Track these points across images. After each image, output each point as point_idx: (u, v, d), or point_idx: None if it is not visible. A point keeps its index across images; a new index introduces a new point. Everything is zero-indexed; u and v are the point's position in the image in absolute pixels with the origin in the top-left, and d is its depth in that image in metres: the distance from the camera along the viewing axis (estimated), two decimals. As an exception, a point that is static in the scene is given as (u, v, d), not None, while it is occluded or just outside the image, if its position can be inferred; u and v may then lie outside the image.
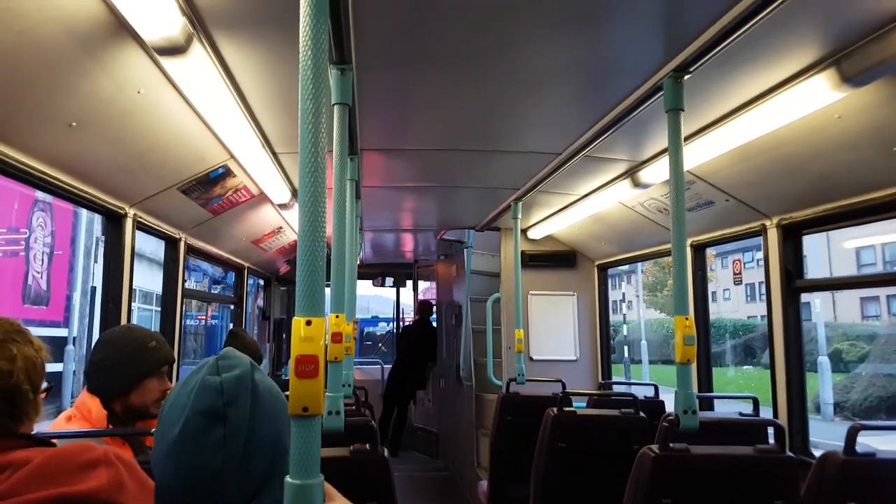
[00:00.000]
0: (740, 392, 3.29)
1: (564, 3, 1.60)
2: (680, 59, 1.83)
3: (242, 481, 0.87)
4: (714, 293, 26.44)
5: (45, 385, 1.15)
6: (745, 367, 19.02)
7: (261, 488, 0.89)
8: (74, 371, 10.39)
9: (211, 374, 0.91)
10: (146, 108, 2.05)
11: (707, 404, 3.50)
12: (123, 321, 2.61)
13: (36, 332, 1.19)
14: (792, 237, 2.81)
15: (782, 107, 2.03)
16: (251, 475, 0.88)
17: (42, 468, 0.94)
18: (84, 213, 10.70)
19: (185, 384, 0.93)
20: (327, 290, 1.41)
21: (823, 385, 13.39)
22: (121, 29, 1.59)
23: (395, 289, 9.27)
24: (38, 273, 9.92)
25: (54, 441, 1.13)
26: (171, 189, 2.74)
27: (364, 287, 9.63)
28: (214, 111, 2.21)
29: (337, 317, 1.96)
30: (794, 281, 2.81)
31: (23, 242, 9.62)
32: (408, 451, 7.30)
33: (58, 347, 9.99)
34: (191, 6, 1.58)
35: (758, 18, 1.51)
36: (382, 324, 13.84)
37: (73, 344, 10.65)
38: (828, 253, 19.09)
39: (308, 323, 0.96)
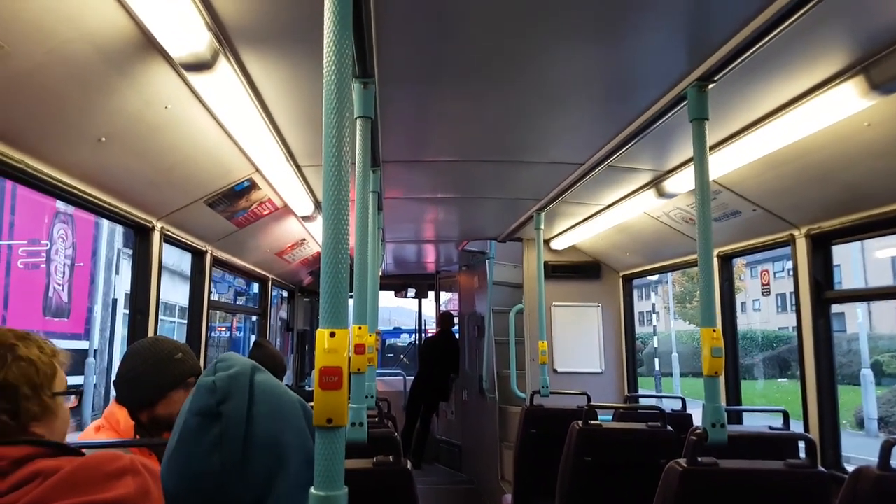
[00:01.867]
0: (772, 405, 3.22)
1: (587, 14, 1.60)
2: (704, 69, 1.81)
3: (247, 484, 0.83)
4: (744, 304, 25.95)
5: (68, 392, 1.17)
6: (779, 381, 18.55)
7: (265, 491, 0.86)
8: (95, 384, 10.50)
9: (207, 374, 0.90)
10: (173, 123, 2.09)
11: (736, 417, 3.42)
12: (151, 333, 2.65)
13: (56, 344, 1.22)
14: (821, 247, 2.75)
15: (809, 115, 2.00)
16: (254, 476, 0.84)
17: (71, 477, 0.96)
18: (105, 224, 10.85)
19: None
20: (350, 302, 1.41)
21: (867, 399, 12.79)
22: (148, 45, 1.63)
23: (416, 300, 9.28)
24: (59, 285, 10.06)
25: (83, 451, 1.15)
26: (197, 202, 2.79)
27: (386, 299, 9.67)
28: (240, 125, 2.25)
29: (360, 328, 1.96)
30: (824, 292, 2.74)
31: (44, 254, 9.78)
32: (431, 463, 7.27)
33: (78, 360, 10.07)
34: (217, 23, 1.61)
35: (783, 27, 1.49)
36: (405, 335, 13.84)
37: (94, 356, 10.73)
38: (863, 263, 18.62)
39: (332, 335, 0.97)
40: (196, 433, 0.84)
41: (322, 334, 0.96)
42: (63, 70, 1.57)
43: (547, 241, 4.92)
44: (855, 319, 15.43)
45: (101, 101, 1.78)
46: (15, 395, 1.06)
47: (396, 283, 8.99)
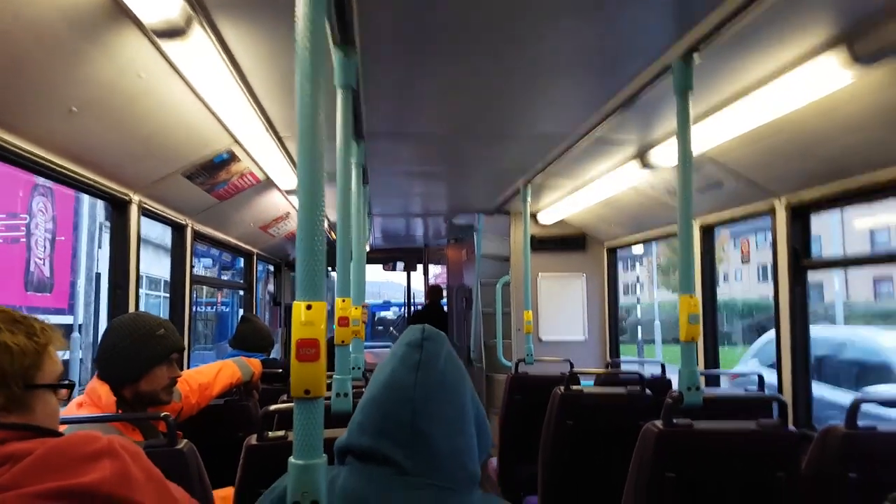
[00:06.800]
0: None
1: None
2: (689, 40, 1.79)
3: (424, 408, 0.97)
4: (726, 274, 26.31)
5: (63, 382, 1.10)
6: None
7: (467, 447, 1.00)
8: (81, 359, 10.45)
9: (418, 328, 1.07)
10: (148, 93, 2.04)
11: (714, 381, 3.50)
12: (131, 308, 2.63)
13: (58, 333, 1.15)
14: (800, 217, 2.78)
15: (794, 87, 1.99)
16: (431, 408, 0.97)
17: (43, 460, 0.92)
18: (86, 197, 10.67)
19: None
20: (335, 275, 1.41)
21: (841, 364, 13.25)
22: (119, 12, 1.58)
23: (405, 273, 9.30)
24: (41, 259, 9.89)
25: (62, 429, 1.12)
26: (175, 174, 2.74)
27: (376, 272, 9.68)
28: (217, 95, 2.20)
29: (343, 301, 1.96)
30: (802, 260, 2.79)
31: (24, 228, 9.59)
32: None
33: (63, 335, 9.92)
34: (189, -12, 1.56)
35: None
36: (394, 308, 13.93)
37: (79, 331, 10.63)
38: (842, 234, 18.90)
39: (308, 307, 0.97)
40: (403, 357, 1.02)
41: (298, 307, 0.96)
42: (30, 37, 1.53)
43: (534, 214, 4.94)
44: (832, 289, 15.78)
45: (72, 70, 1.73)
46: None
47: (385, 256, 8.99)
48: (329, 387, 1.83)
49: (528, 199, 3.91)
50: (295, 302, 0.97)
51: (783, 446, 1.82)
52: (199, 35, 1.70)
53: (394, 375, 0.99)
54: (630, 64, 2.08)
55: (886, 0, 1.56)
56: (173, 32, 1.63)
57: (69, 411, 1.86)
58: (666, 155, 2.99)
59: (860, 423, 1.78)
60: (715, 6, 1.63)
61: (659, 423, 1.83)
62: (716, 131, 2.49)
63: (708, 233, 3.56)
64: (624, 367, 4.52)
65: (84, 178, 2.27)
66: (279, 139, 2.87)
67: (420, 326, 1.06)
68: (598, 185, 3.76)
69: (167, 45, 1.73)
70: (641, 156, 3.14)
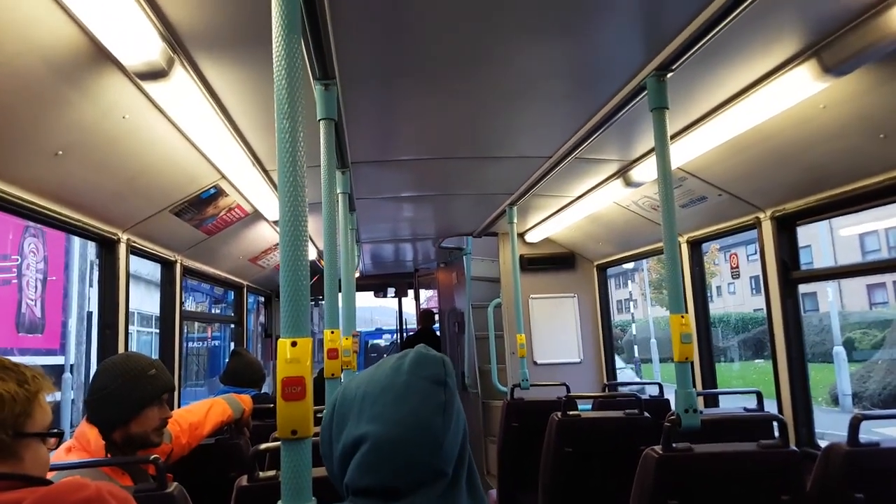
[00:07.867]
0: (749, 386, 3.26)
1: (544, 8, 1.60)
2: (661, 59, 1.83)
3: (449, 452, 0.92)
4: (719, 287, 26.39)
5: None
6: (756, 362, 18.89)
7: (455, 464, 0.94)
8: (73, 399, 10.30)
9: (426, 350, 0.97)
10: (133, 133, 2.05)
11: (712, 401, 3.47)
12: (121, 347, 2.60)
13: (32, 361, 1.15)
14: (786, 229, 2.80)
15: (767, 100, 2.03)
16: (451, 448, 0.93)
17: None
18: (76, 237, 10.61)
19: (385, 363, 0.98)
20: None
21: (840, 375, 13.17)
22: (101, 56, 1.60)
23: (396, 299, 9.26)
24: (32, 300, 9.80)
25: (50, 476, 1.10)
26: (163, 212, 2.74)
27: (368, 299, 9.65)
28: (201, 132, 2.21)
29: (332, 332, 1.95)
30: (791, 272, 2.80)
31: (15, 270, 9.54)
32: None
33: (55, 376, 9.81)
34: (169, 30, 1.58)
35: (735, 13, 1.52)
36: (387, 335, 13.88)
37: (71, 371, 10.49)
38: (831, 242, 19.02)
39: (293, 344, 0.95)
40: (426, 395, 0.92)
41: (283, 344, 0.94)
42: (13, 84, 1.53)
43: (521, 235, 4.94)
44: (826, 298, 15.81)
45: (56, 115, 1.74)
46: None
47: (375, 283, 8.96)
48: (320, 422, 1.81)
49: (515, 219, 3.92)
50: (280, 339, 0.96)
51: (786, 467, 1.79)
52: (180, 75, 1.72)
53: (416, 415, 0.90)
54: (605, 84, 2.10)
55: (849, 11, 1.60)
56: (155, 74, 1.65)
57: (58, 457, 1.82)
58: (647, 172, 3.01)
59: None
60: (685, 24, 1.66)
61: (658, 448, 1.79)
62: (694, 147, 2.52)
63: (696, 248, 3.57)
64: (621, 390, 4.48)
65: (71, 219, 2.26)
66: (265, 172, 2.88)
67: (439, 357, 0.96)
68: (584, 205, 3.79)
69: (150, 86, 1.74)
70: (624, 174, 3.16)
